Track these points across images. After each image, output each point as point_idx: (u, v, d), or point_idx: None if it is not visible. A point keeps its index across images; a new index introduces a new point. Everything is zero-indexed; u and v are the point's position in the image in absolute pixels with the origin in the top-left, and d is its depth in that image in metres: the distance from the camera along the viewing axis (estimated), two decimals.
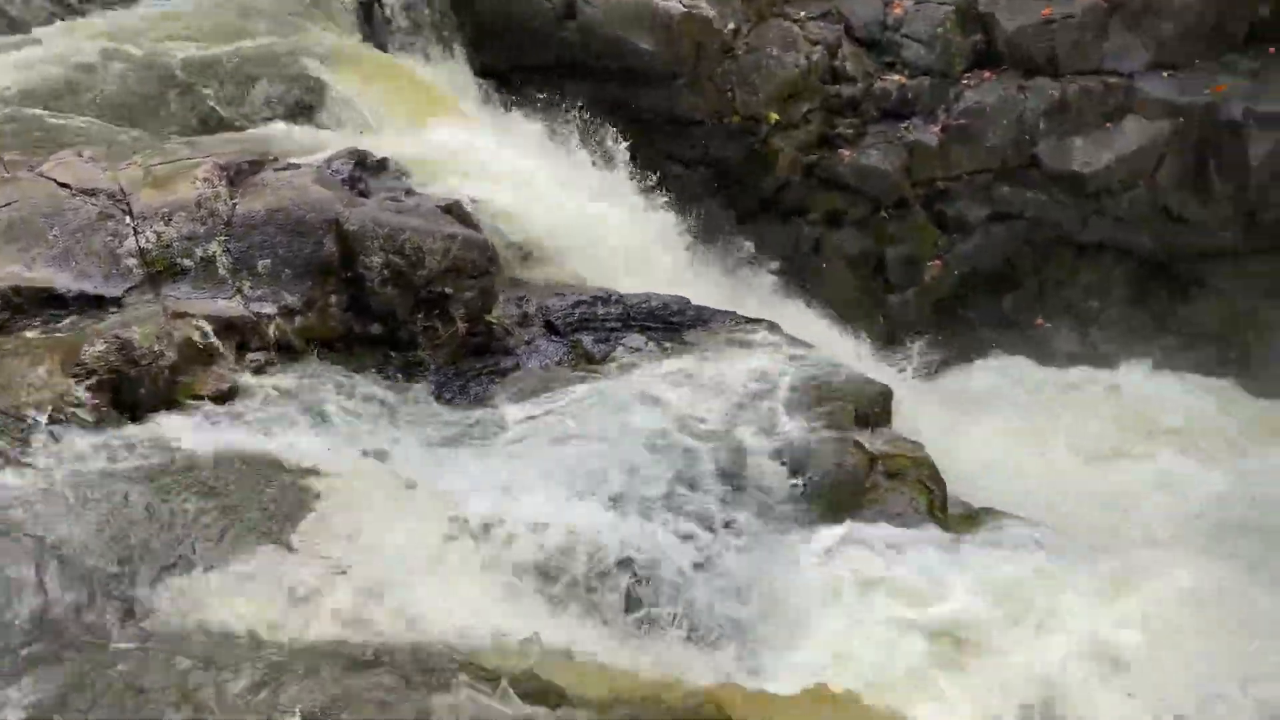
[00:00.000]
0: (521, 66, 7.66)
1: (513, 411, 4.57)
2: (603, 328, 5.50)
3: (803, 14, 7.79)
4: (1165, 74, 7.54)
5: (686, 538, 4.03)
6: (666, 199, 7.36)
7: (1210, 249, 7.69)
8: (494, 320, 5.14)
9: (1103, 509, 5.86)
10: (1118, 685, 3.67)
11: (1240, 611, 4.43)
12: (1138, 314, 8.02)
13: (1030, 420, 7.06)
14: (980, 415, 7.23)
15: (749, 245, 7.71)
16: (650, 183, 7.32)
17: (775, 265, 7.83)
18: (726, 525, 4.26)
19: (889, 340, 7.90)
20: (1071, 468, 6.52)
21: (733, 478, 4.56)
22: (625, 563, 3.74)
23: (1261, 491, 6.48)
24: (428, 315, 4.91)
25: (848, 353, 7.22)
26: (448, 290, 4.92)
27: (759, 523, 4.41)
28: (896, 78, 7.83)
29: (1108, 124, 7.58)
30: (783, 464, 4.70)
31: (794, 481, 4.64)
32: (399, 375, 4.78)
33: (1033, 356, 7.97)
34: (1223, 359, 7.80)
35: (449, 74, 7.35)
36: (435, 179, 5.76)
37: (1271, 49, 7.53)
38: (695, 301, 5.93)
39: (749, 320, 5.96)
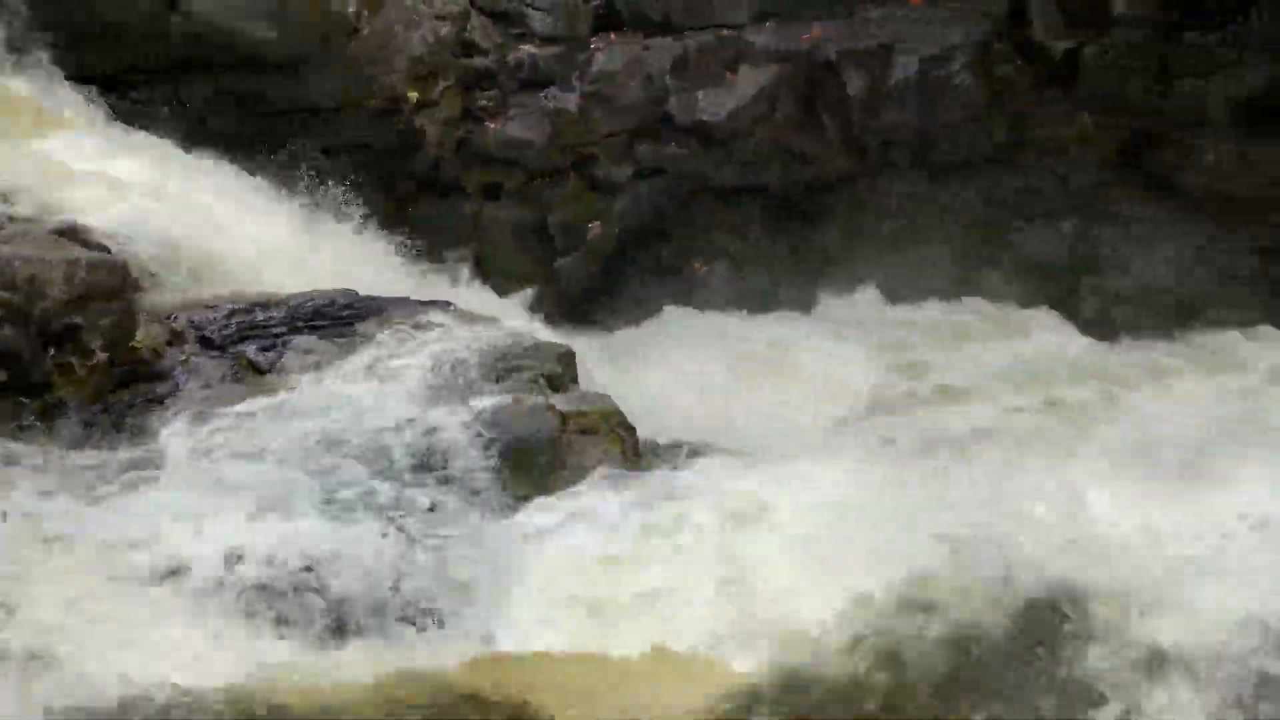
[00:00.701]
0: (130, 67, 6.97)
1: (176, 440, 4.23)
2: (267, 335, 5.20)
3: None
4: (769, 24, 8.22)
5: (389, 533, 3.93)
6: (319, 191, 7.06)
7: (828, 179, 8.53)
8: (139, 345, 4.70)
9: (768, 428, 6.39)
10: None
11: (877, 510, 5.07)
12: (778, 248, 8.75)
13: (697, 359, 7.57)
14: (657, 360, 7.65)
15: (410, 228, 7.57)
16: (297, 176, 6.98)
17: (443, 243, 7.78)
18: (431, 510, 4.22)
19: (565, 302, 8.14)
20: (738, 394, 7.10)
21: (430, 463, 4.51)
22: (326, 571, 3.59)
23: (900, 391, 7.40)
24: (60, 351, 4.41)
25: (529, 320, 7.36)
26: (78, 320, 4.44)
27: (463, 502, 4.40)
28: (528, 47, 7.96)
29: (728, 74, 8.17)
30: (479, 440, 4.71)
31: (492, 455, 4.67)
32: (37, 422, 4.26)
33: (695, 300, 8.49)
34: (861, 276, 8.71)
35: (43, 82, 6.55)
36: (44, 200, 5.16)
37: None
38: (366, 293, 5.77)
39: (424, 304, 5.89)
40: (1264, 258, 8.20)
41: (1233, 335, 7.98)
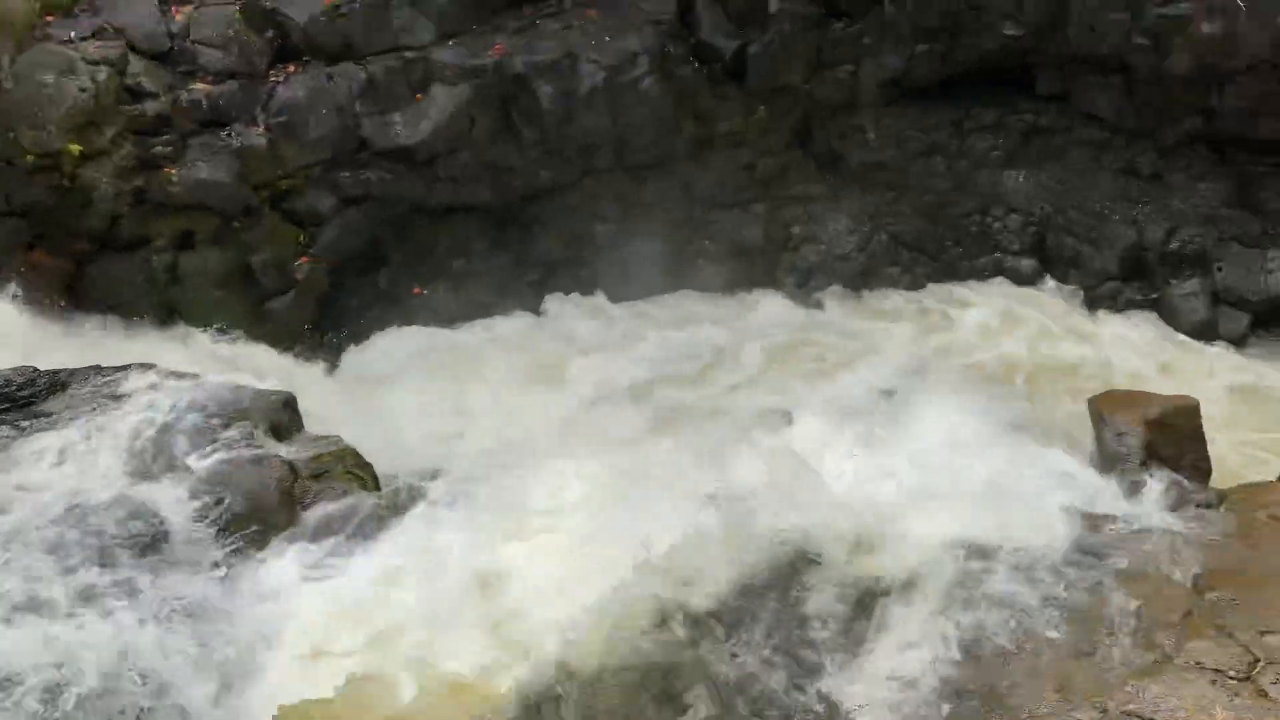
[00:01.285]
0: None
1: None
2: None
3: (72, 34, 7.09)
4: (452, 42, 8.25)
5: (110, 616, 3.64)
6: None
7: (539, 189, 8.69)
8: None
9: (507, 438, 6.45)
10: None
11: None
12: (500, 260, 8.82)
13: (430, 380, 7.51)
14: (389, 389, 7.51)
15: (94, 287, 6.99)
16: None
17: (135, 301, 7.24)
18: (155, 584, 3.94)
19: (283, 342, 7.79)
20: (473, 409, 7.12)
21: (149, 537, 4.21)
22: (40, 678, 3.28)
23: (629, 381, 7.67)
24: None
25: (241, 368, 6.99)
26: None
27: (191, 574, 4.14)
28: (202, 86, 7.54)
29: (418, 96, 8.11)
30: (200, 507, 4.45)
31: (217, 519, 4.42)
32: None
33: (421, 322, 8.40)
34: (584, 280, 8.94)
35: None
36: None
37: (528, 7, 8.64)
38: (48, 366, 5.27)
39: (118, 369, 5.46)
40: (925, 220, 9.20)
41: (905, 292, 8.93)
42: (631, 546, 4.66)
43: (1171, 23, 8.11)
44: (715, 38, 8.82)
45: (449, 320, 8.51)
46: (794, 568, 4.52)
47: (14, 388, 4.85)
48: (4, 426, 4.58)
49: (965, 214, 9.26)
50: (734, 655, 4.26)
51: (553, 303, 8.81)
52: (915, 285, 9.06)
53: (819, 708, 3.97)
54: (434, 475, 5.35)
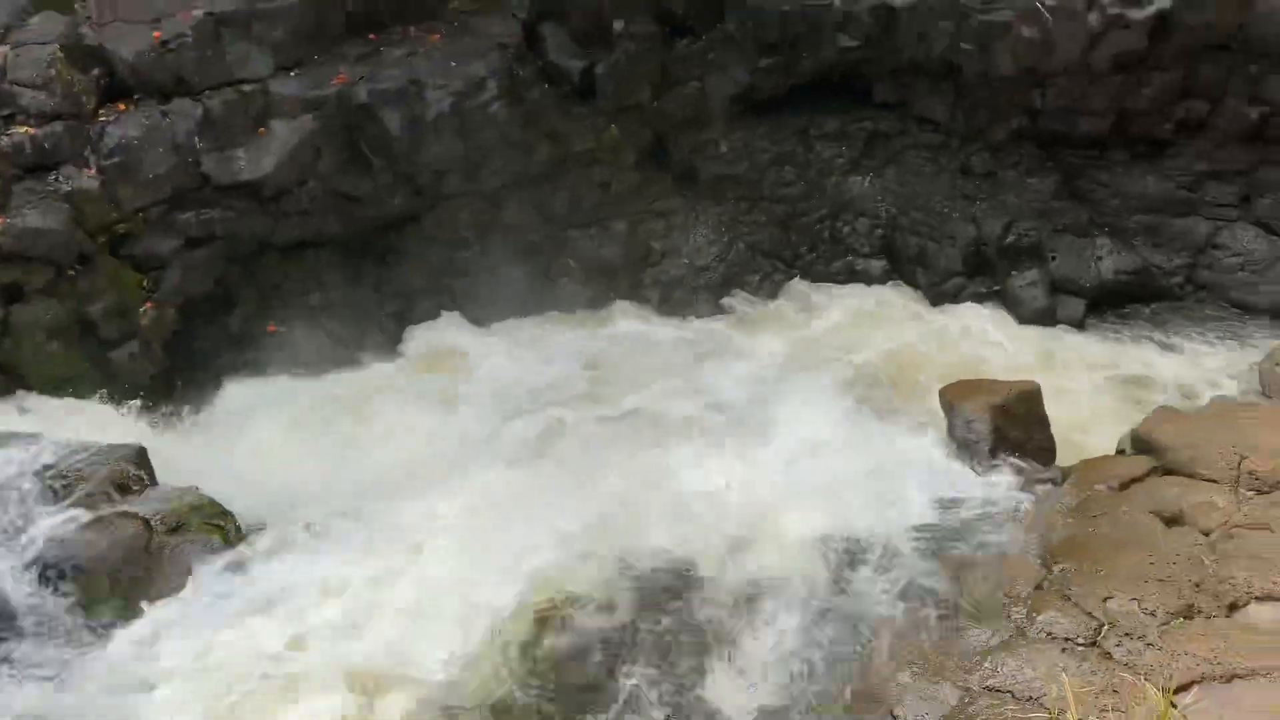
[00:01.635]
0: None
1: None
2: None
3: None
4: (292, 74, 8.05)
5: None
6: None
7: (393, 218, 8.56)
8: None
9: (376, 478, 6.31)
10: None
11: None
12: (358, 293, 8.64)
13: (294, 420, 7.28)
14: (249, 433, 7.24)
15: None
16: None
17: None
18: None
19: (132, 394, 7.44)
20: (343, 446, 6.94)
21: None
22: None
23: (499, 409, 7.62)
24: None
25: (87, 424, 6.66)
26: None
27: (38, 650, 3.91)
28: (24, 129, 7.14)
29: (259, 130, 7.88)
30: (42, 576, 4.21)
31: (63, 589, 4.19)
32: None
33: (279, 363, 8.15)
34: (445, 306, 8.84)
35: None
36: None
37: (371, 35, 8.51)
38: None
39: None
40: (779, 228, 9.46)
41: (765, 300, 9.16)
42: (507, 574, 4.64)
43: (993, 29, 8.57)
44: (562, 59, 8.88)
45: (308, 357, 8.25)
46: (673, 579, 4.58)
47: None
48: None
49: (817, 220, 9.55)
50: (616, 671, 4.28)
51: (415, 332, 8.69)
52: (774, 292, 9.30)
53: (701, 715, 4.02)
54: (301, 519, 5.20)
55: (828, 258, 9.52)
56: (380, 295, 8.71)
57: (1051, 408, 6.16)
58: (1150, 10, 8.18)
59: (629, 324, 8.94)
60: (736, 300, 9.16)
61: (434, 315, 8.80)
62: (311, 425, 7.23)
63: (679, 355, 8.41)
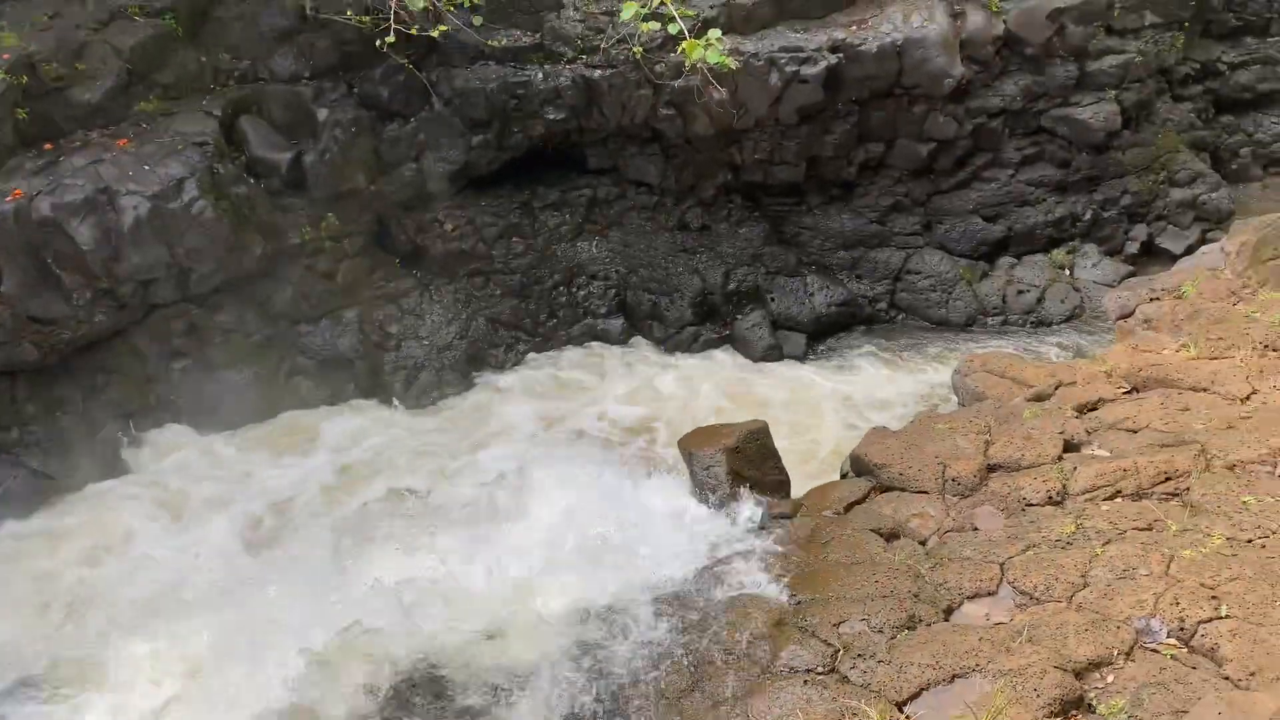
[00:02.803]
0: None
1: None
2: None
3: None
4: None
5: None
6: None
7: (95, 337, 7.91)
8: None
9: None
10: None
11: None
12: (62, 422, 7.89)
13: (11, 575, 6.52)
14: None
15: None
16: None
17: None
18: None
19: None
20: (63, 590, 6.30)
21: None
22: None
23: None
24: None
25: None
26: None
27: None
28: None
29: None
30: None
31: None
32: None
33: None
34: (166, 420, 8.22)
35: None
36: None
37: (47, 145, 7.89)
38: None
39: None
40: (517, 298, 9.54)
41: (510, 372, 9.19)
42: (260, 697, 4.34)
43: (687, 94, 9.10)
44: (266, 151, 8.60)
45: (15, 500, 7.45)
46: (422, 685, 4.43)
47: None
48: None
49: (552, 287, 9.72)
50: None
51: (138, 454, 8.03)
52: (519, 362, 9.34)
53: None
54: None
55: (568, 321, 9.70)
56: (90, 422, 7.99)
57: (784, 441, 6.52)
58: (821, 66, 8.97)
59: (372, 413, 8.67)
60: (482, 374, 9.12)
61: (157, 433, 8.18)
62: (35, 573, 6.50)
63: (428, 439, 8.25)
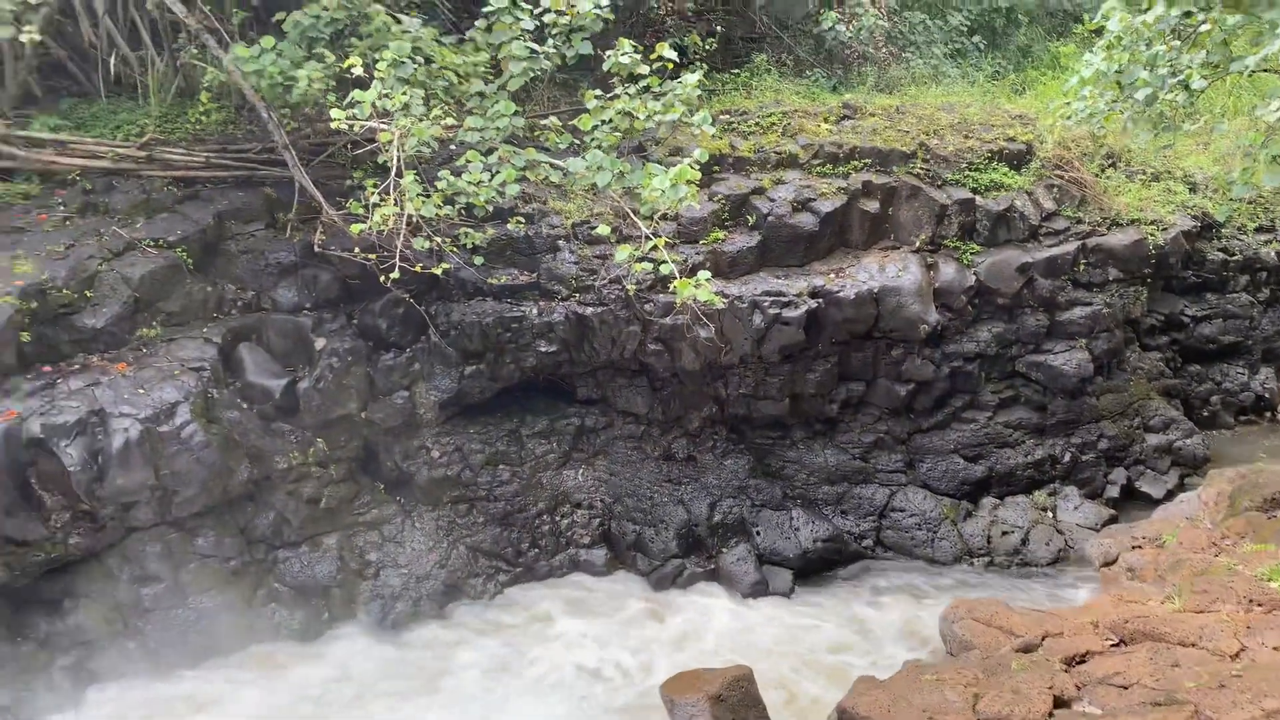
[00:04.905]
0: None
1: None
2: None
3: None
4: None
5: None
6: None
7: (67, 559, 7.77)
8: None
9: None
10: None
11: None
12: (21, 649, 7.62)
13: None
14: None
15: None
16: None
17: None
18: None
19: None
20: None
21: None
22: None
23: None
24: None
25: None
26: None
27: None
28: None
29: None
30: None
31: None
32: None
33: None
34: (130, 651, 7.94)
35: None
36: None
37: (46, 367, 8.05)
38: None
39: None
40: (499, 526, 9.49)
41: (487, 604, 8.99)
42: None
43: (675, 331, 9.45)
44: (262, 378, 8.78)
45: None
46: None
47: None
48: None
49: (536, 515, 9.68)
50: None
51: (98, 689, 7.69)
52: (497, 593, 9.16)
53: None
54: None
55: (550, 551, 9.59)
56: (48, 649, 7.71)
57: (769, 687, 6.32)
58: (801, 310, 9.38)
59: (346, 648, 8.39)
60: (458, 606, 8.92)
61: (119, 665, 7.86)
62: None
63: (400, 681, 7.95)
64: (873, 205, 10.11)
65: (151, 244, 8.71)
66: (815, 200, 9.92)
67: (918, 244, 10.08)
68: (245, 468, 8.43)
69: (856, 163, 10.28)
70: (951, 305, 9.91)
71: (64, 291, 8.15)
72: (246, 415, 8.61)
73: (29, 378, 7.96)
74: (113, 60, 9.36)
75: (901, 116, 10.98)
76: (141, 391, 8.03)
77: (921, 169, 10.33)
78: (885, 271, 9.72)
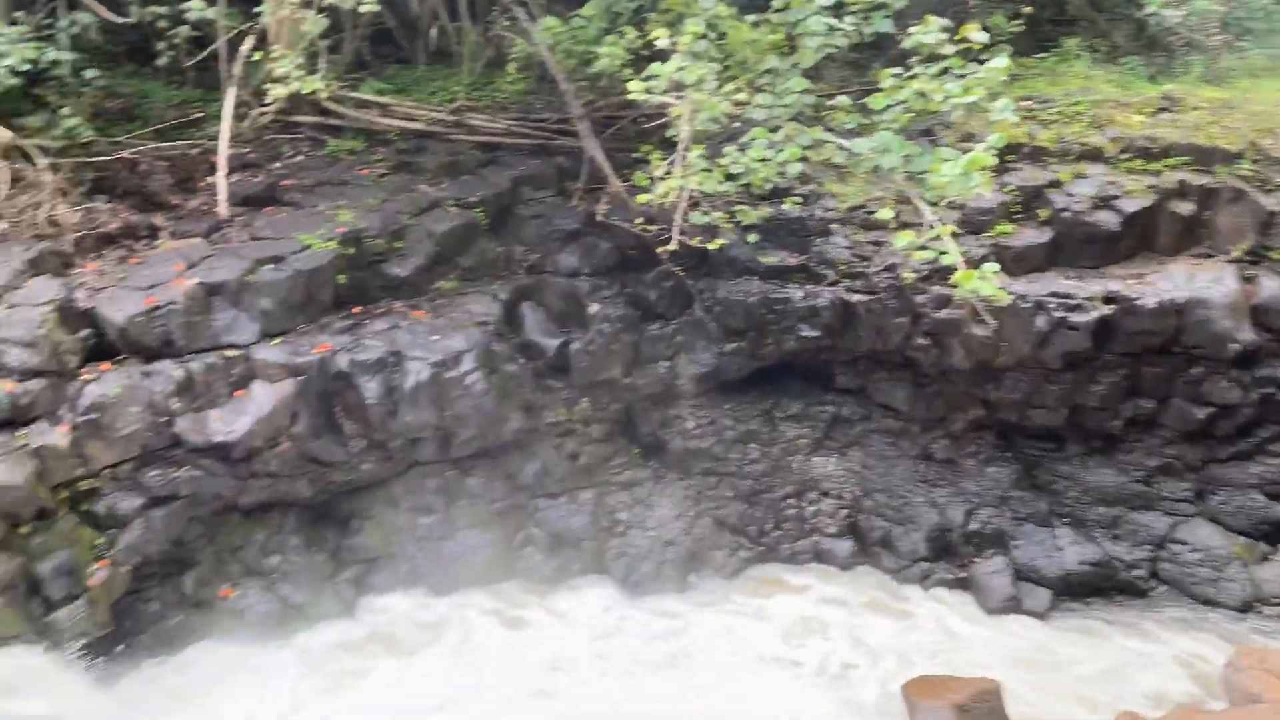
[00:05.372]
0: None
1: None
2: None
3: None
4: (276, 341, 8.34)
5: None
6: None
7: (359, 483, 8.60)
8: None
9: None
10: None
11: None
12: (316, 558, 8.52)
13: (234, 695, 6.96)
14: (189, 707, 6.90)
15: None
16: None
17: None
18: None
19: (69, 657, 7.14)
20: None
21: None
22: None
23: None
24: None
25: (29, 683, 6.39)
26: None
27: None
28: (4, 385, 7.28)
29: (237, 392, 8.06)
30: None
31: None
32: None
33: (229, 629, 7.92)
34: (404, 574, 8.71)
35: None
36: None
37: (356, 309, 8.91)
38: None
39: None
40: (745, 503, 9.54)
41: (729, 580, 9.07)
42: None
43: (947, 325, 9.06)
44: (539, 336, 9.29)
45: (260, 624, 8.05)
46: None
47: None
48: None
49: (782, 498, 9.65)
50: None
51: (372, 600, 8.50)
52: (739, 569, 9.23)
53: None
54: None
55: (793, 536, 9.53)
56: (337, 561, 8.59)
57: (1016, 705, 5.99)
58: (1092, 315, 8.71)
59: (592, 598, 8.77)
60: (700, 576, 9.07)
61: (391, 582, 8.66)
62: (256, 699, 6.92)
63: (638, 640, 8.20)
64: (1186, 207, 9.19)
65: (454, 203, 9.41)
66: (1119, 198, 9.14)
67: (1236, 254, 9.07)
68: (517, 418, 8.97)
69: (1171, 160, 9.36)
70: (1270, 325, 8.85)
71: (377, 241, 8.97)
72: (522, 369, 9.13)
73: (341, 317, 8.84)
74: (433, 31, 10.13)
75: (1230, 112, 9.87)
76: (435, 338, 8.71)
77: (1249, 170, 9.26)
78: (1194, 281, 8.82)
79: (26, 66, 8.75)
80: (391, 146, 9.96)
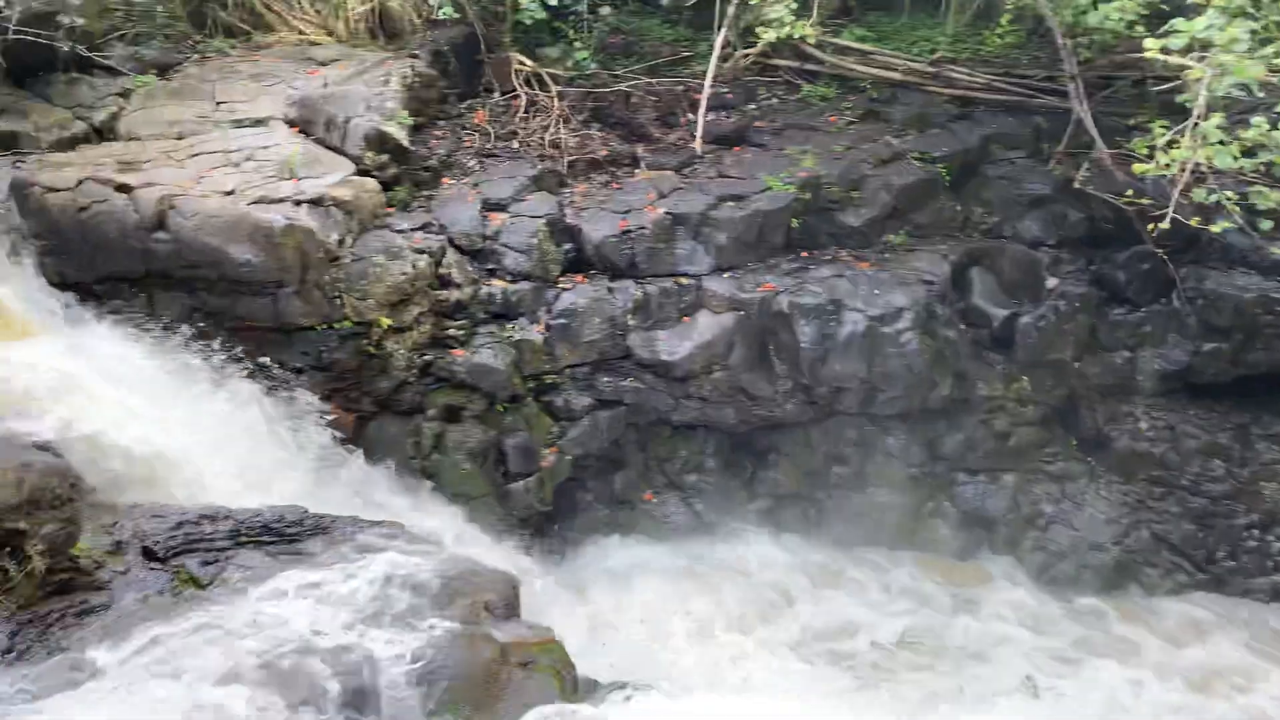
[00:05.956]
0: (107, 277, 7.27)
1: (104, 656, 4.14)
2: (211, 548, 5.18)
3: (405, 225, 8.17)
4: (726, 275, 8.75)
5: None
6: (280, 408, 7.22)
7: (780, 421, 8.84)
8: (80, 554, 4.66)
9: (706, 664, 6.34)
10: None
11: None
12: (730, 482, 8.95)
13: (647, 593, 7.56)
14: (605, 592, 7.62)
15: (370, 444, 7.71)
16: (260, 392, 7.16)
17: (401, 461, 7.85)
18: None
19: (516, 526, 8.17)
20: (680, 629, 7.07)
21: (360, 697, 4.41)
22: None
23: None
24: None
25: (476, 543, 7.37)
26: (22, 526, 4.42)
27: None
28: (500, 283, 8.36)
29: (685, 318, 8.60)
30: (413, 671, 4.65)
31: (426, 690, 4.59)
32: None
33: (647, 530, 8.60)
34: (810, 517, 8.90)
35: (20, 287, 6.78)
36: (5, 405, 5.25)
37: (804, 253, 9.05)
38: (316, 509, 5.80)
39: (372, 524, 5.91)
40: (1194, 523, 8.47)
41: (1165, 599, 8.15)
42: None
43: None
44: (985, 304, 8.85)
45: (674, 532, 8.66)
46: None
47: (284, 524, 5.36)
48: (270, 558, 5.04)
49: (1245, 526, 8.44)
50: None
51: (779, 534, 8.76)
52: (1173, 592, 8.27)
53: None
54: (629, 695, 5.34)
55: (1251, 571, 8.33)
56: (750, 490, 8.93)
57: None
58: None
59: (1002, 587, 8.34)
60: (1125, 593, 8.24)
61: (797, 521, 8.85)
62: (667, 602, 7.48)
63: (1056, 639, 7.67)
64: None
65: (917, 157, 9.17)
66: None
67: None
68: (948, 385, 8.63)
69: None
70: None
71: (834, 188, 9.01)
72: (961, 336, 8.76)
73: (788, 259, 9.01)
74: None
75: None
76: (876, 291, 8.61)
77: None
78: None
79: (554, 1, 9.82)
80: (863, 95, 9.90)
